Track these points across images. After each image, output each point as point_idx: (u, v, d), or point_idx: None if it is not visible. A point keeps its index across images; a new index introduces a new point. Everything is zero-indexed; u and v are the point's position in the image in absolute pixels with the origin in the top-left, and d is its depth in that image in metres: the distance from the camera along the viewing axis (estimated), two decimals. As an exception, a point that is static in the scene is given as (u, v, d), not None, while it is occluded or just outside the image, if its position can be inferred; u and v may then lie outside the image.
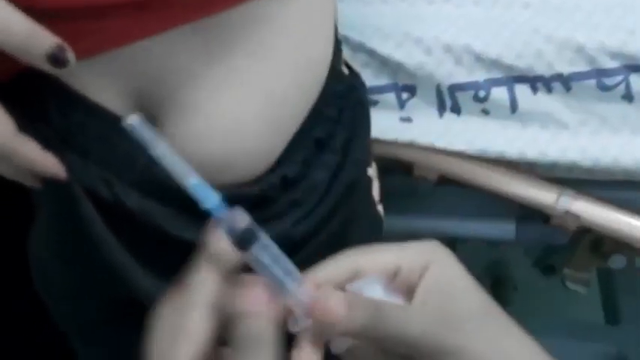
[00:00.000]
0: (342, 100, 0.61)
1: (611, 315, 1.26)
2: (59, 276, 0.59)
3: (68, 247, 0.57)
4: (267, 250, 0.39)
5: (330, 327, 0.39)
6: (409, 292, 0.42)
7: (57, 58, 0.46)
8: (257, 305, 0.37)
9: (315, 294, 0.39)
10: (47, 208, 0.56)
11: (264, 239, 0.39)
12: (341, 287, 0.41)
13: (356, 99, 0.63)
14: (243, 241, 0.38)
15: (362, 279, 0.42)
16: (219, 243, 0.39)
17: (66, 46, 0.47)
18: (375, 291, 0.41)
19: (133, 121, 0.39)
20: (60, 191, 0.53)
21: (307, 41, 0.56)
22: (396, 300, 0.42)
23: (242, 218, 0.38)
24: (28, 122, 0.50)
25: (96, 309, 0.60)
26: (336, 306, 0.38)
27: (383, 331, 0.39)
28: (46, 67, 0.47)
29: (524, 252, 1.24)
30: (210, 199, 0.39)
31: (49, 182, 0.52)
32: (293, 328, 0.40)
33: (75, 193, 0.53)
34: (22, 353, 0.70)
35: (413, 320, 0.39)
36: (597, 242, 1.05)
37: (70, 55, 0.47)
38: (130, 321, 0.58)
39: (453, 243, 1.23)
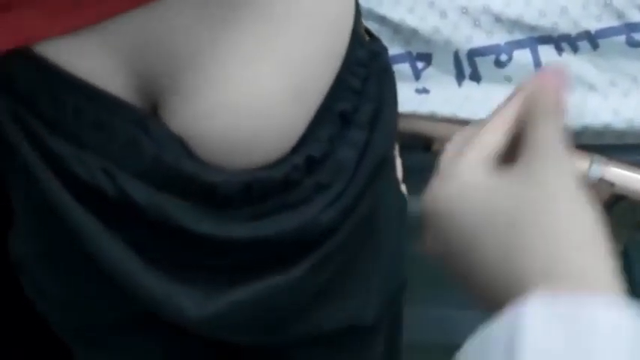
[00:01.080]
0: (365, 69, 0.55)
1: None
2: (48, 279, 0.55)
3: (50, 245, 0.53)
4: None
5: None
6: None
7: None
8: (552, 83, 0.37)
9: None
10: (22, 203, 0.52)
11: None
12: None
13: (379, 66, 0.57)
14: None
15: None
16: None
17: None
18: None
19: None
20: (34, 183, 0.48)
21: (327, 3, 0.51)
22: None
23: None
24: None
25: (90, 309, 0.56)
26: None
27: None
28: None
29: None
30: None
31: (22, 174, 0.47)
32: None
33: (49, 184, 0.48)
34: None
35: None
36: (630, 211, 1.00)
37: None
38: (131, 323, 0.56)
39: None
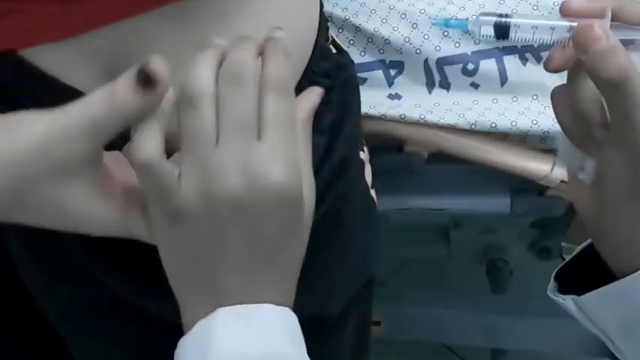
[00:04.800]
0: (329, 79, 0.59)
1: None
2: (32, 267, 0.58)
3: (30, 236, 0.55)
4: None
5: None
6: None
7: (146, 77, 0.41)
8: None
9: None
10: None
11: None
12: None
13: (344, 78, 0.61)
14: None
15: None
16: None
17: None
18: None
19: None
20: None
21: (289, 20, 0.54)
22: None
23: None
24: None
25: (72, 298, 0.58)
26: None
27: None
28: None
29: (518, 236, 1.23)
30: None
31: None
32: None
33: None
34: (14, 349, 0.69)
35: None
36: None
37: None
38: (108, 309, 0.58)
39: (446, 230, 1.21)
